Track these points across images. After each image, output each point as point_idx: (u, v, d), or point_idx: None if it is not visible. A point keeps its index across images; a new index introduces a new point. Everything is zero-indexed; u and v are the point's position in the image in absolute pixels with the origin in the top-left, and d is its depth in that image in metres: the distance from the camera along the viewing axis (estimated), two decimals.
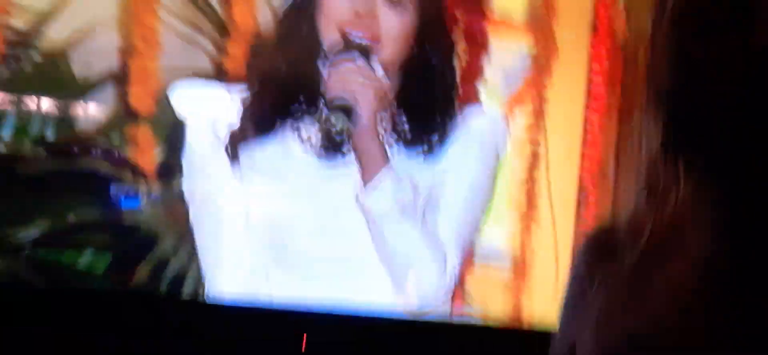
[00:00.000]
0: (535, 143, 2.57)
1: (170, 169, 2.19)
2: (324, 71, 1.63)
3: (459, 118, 1.73)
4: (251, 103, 1.69)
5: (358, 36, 1.63)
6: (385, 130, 1.70)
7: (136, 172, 2.26)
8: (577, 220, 2.70)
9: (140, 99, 2.31)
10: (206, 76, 2.16)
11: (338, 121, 1.59)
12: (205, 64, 2.34)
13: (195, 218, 1.75)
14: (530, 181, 2.59)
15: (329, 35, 1.65)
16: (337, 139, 1.61)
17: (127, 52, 2.34)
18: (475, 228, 1.76)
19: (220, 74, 2.22)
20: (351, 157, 1.68)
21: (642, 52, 0.76)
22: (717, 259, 0.70)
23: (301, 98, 1.68)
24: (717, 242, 0.71)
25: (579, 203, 2.66)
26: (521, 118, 2.55)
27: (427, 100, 1.71)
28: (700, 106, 0.71)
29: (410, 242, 1.65)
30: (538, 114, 2.59)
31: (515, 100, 2.66)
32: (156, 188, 2.24)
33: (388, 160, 1.65)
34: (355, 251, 1.69)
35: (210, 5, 2.43)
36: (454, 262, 1.70)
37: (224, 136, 1.69)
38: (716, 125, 0.69)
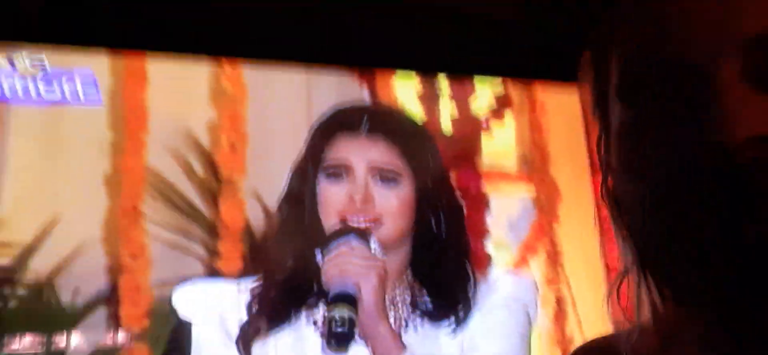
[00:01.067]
0: (558, 293, 2.47)
1: None
2: (321, 263, 1.56)
3: (483, 285, 1.65)
4: (261, 296, 1.62)
5: (357, 220, 1.59)
6: (410, 311, 1.63)
7: None
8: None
9: (132, 318, 2.24)
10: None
11: (343, 313, 1.50)
12: (197, 269, 2.31)
13: None
14: (562, 334, 2.47)
15: (329, 223, 1.60)
16: (342, 331, 1.50)
17: (115, 271, 2.29)
18: None
19: (214, 275, 2.19)
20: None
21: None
22: None
23: (314, 287, 1.63)
24: None
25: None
26: (538, 271, 2.48)
27: (445, 272, 1.65)
28: (655, 224, 0.66)
29: None
30: (554, 261, 2.51)
31: (526, 249, 2.59)
32: None
33: (403, 345, 1.55)
34: None
35: (197, 210, 2.41)
36: None
37: (235, 332, 1.61)
38: (677, 249, 0.64)
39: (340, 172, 1.61)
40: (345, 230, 1.57)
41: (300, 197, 1.65)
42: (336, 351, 1.52)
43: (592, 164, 2.69)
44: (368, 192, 1.61)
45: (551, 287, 2.44)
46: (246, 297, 1.64)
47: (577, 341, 2.45)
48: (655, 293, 0.68)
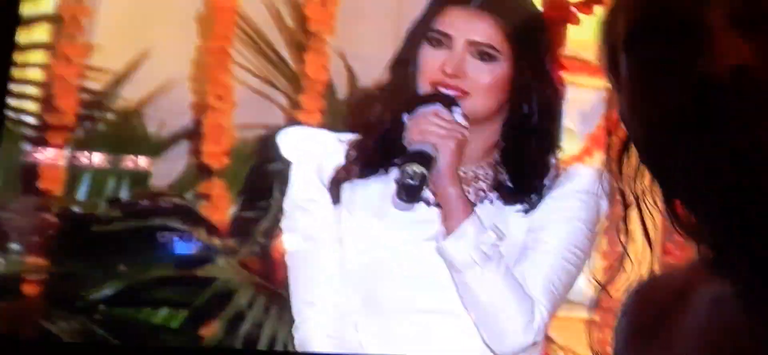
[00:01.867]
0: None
1: (245, 223, 2.18)
2: (407, 123, 1.66)
3: (562, 175, 1.74)
4: (357, 147, 1.73)
5: (447, 91, 1.67)
6: (490, 186, 1.72)
7: (211, 228, 2.25)
8: (662, 258, 2.62)
9: (213, 155, 2.34)
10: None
11: (415, 168, 1.58)
12: (279, 117, 2.40)
13: (291, 260, 1.75)
14: (611, 221, 2.54)
15: (423, 88, 1.70)
16: (412, 184, 1.58)
17: (200, 109, 2.38)
18: (571, 281, 1.71)
19: (293, 124, 2.25)
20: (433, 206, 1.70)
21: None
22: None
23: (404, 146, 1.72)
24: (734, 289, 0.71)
25: (663, 241, 2.59)
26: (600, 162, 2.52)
27: (528, 159, 1.73)
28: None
29: (495, 292, 1.64)
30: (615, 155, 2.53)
31: (594, 142, 2.63)
32: (230, 243, 2.21)
33: (472, 208, 1.65)
34: (445, 303, 1.68)
35: (283, 60, 2.48)
36: (542, 313, 1.67)
37: (328, 176, 1.73)
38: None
39: (440, 40, 1.68)
40: (431, 97, 1.66)
41: (407, 60, 1.72)
42: (406, 201, 1.62)
43: None
44: (461, 64, 1.67)
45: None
46: (344, 147, 1.74)
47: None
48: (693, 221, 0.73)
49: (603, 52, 0.77)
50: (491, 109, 1.70)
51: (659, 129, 0.71)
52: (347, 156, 1.73)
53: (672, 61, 0.69)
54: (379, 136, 1.72)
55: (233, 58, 2.42)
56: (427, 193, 1.67)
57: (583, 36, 2.65)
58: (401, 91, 1.71)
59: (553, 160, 1.75)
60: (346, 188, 1.72)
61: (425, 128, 1.62)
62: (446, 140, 1.62)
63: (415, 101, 1.66)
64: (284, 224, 1.78)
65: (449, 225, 1.64)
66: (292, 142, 1.79)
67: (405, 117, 1.66)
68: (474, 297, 1.64)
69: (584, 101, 2.71)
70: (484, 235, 1.63)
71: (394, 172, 1.67)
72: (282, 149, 1.75)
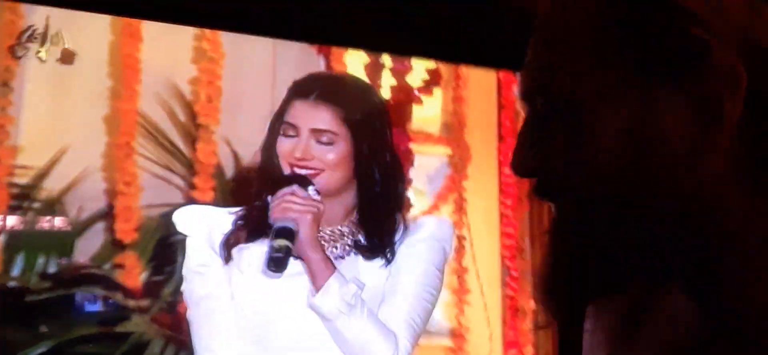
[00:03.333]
0: (460, 232, 3.00)
1: (155, 285, 2.58)
2: (270, 204, 1.79)
3: (412, 224, 1.91)
4: (242, 217, 1.86)
5: (301, 171, 1.79)
6: (350, 246, 1.86)
7: (126, 291, 2.66)
8: (502, 292, 3.11)
9: (125, 232, 2.73)
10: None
11: (280, 242, 1.71)
12: (177, 196, 2.81)
13: (192, 316, 1.88)
14: (460, 265, 3.01)
15: (285, 172, 1.82)
16: (278, 256, 1.72)
17: (112, 194, 2.78)
18: (427, 315, 1.89)
19: (190, 204, 2.57)
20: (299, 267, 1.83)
21: None
22: None
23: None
24: None
25: (503, 277, 3.09)
26: (446, 215, 2.98)
27: (379, 219, 1.87)
28: None
29: (361, 334, 1.78)
30: (460, 209, 3.02)
31: (439, 199, 3.08)
32: (143, 302, 2.62)
33: (334, 267, 1.77)
34: (325, 342, 1.81)
35: (178, 149, 2.88)
36: (405, 345, 1.83)
37: (220, 242, 1.84)
38: None
39: (289, 131, 1.80)
40: (289, 178, 1.80)
41: (269, 147, 1.87)
42: (274, 272, 1.73)
43: (499, 134, 3.18)
44: (307, 149, 1.79)
45: (455, 229, 2.95)
46: (233, 218, 1.86)
47: (471, 270, 2.91)
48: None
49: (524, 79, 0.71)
50: (341, 181, 1.83)
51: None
52: (235, 225, 1.86)
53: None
54: (259, 209, 1.85)
55: (137, 150, 2.79)
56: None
57: (426, 113, 3.17)
58: (270, 171, 1.86)
59: (398, 218, 1.90)
60: (236, 251, 1.86)
61: (285, 206, 1.74)
62: (304, 215, 1.74)
63: (276, 183, 1.79)
64: (184, 286, 1.92)
65: (316, 283, 1.76)
66: (186, 219, 1.91)
67: (268, 198, 1.80)
68: (345, 340, 1.78)
69: (430, 166, 3.15)
70: (346, 287, 1.75)
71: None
72: (178, 226, 1.90)
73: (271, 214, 1.75)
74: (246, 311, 1.83)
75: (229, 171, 2.89)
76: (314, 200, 1.76)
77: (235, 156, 2.90)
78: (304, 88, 1.80)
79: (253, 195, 1.87)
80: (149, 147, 2.86)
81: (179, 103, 2.93)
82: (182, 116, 2.92)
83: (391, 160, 1.87)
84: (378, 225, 1.85)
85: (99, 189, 2.78)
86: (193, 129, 2.87)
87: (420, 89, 3.14)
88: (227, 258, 1.83)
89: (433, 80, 3.15)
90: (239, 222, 1.85)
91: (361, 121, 1.80)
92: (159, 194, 2.77)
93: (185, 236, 1.85)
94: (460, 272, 3.05)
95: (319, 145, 1.80)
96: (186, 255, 1.85)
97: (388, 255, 1.85)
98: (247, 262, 1.84)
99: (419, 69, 3.20)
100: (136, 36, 2.89)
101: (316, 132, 1.78)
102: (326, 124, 1.78)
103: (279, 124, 1.81)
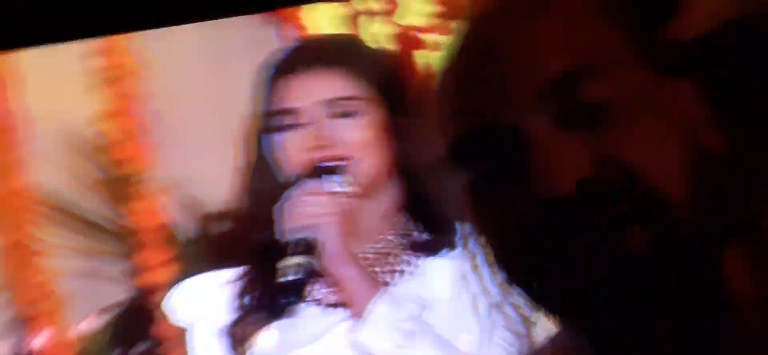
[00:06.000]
0: None
1: None
2: (277, 213, 1.49)
3: None
4: (242, 291, 1.55)
5: (324, 164, 1.50)
6: (407, 253, 1.58)
7: None
8: None
9: None
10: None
11: (297, 260, 1.45)
12: (119, 292, 2.14)
13: None
14: None
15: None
16: (298, 279, 1.45)
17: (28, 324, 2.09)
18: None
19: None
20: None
21: None
22: None
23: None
24: None
25: None
26: None
27: (439, 202, 1.57)
28: None
29: None
30: None
31: None
32: None
33: (379, 284, 1.53)
34: None
35: (103, 222, 2.21)
36: None
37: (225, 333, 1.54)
38: None
39: (287, 121, 1.50)
40: (302, 176, 1.47)
41: (261, 165, 1.56)
42: (294, 301, 1.46)
43: None
44: (322, 132, 1.50)
45: None
46: (229, 289, 1.57)
47: None
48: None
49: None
50: (382, 165, 1.52)
51: (503, 248, 0.69)
52: (240, 303, 1.55)
53: (506, 182, 0.66)
54: (260, 264, 1.52)
55: (41, 247, 2.11)
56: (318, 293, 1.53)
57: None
58: (264, 203, 1.52)
59: None
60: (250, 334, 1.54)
61: (300, 211, 1.45)
62: (325, 217, 1.47)
63: (283, 190, 1.50)
64: None
65: (357, 311, 1.49)
66: (186, 300, 1.59)
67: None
68: None
69: None
70: (400, 310, 1.51)
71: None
72: (176, 313, 1.58)
73: (277, 228, 1.49)
74: None
75: (188, 227, 2.26)
76: (340, 195, 1.49)
77: (192, 203, 2.27)
78: (290, 63, 1.54)
79: (247, 247, 1.55)
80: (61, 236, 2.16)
81: (90, 154, 2.29)
82: (98, 172, 2.27)
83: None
84: (441, 208, 1.53)
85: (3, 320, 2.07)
86: (119, 185, 2.23)
87: (427, 29, 2.57)
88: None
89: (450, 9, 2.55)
90: (246, 298, 1.54)
91: (391, 80, 1.58)
92: (93, 297, 2.11)
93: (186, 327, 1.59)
94: None
95: (336, 121, 1.51)
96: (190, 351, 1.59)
97: (456, 234, 1.52)
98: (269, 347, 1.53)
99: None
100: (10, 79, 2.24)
101: (328, 104, 1.51)
102: (341, 90, 1.52)
103: (265, 125, 1.55)
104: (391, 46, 2.53)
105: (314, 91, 1.53)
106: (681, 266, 0.64)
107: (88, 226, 2.19)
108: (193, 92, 2.46)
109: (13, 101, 2.26)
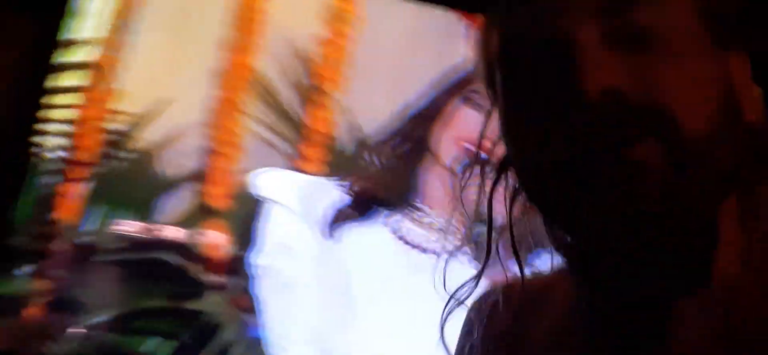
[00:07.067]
0: None
1: (238, 261, 2.25)
2: (452, 186, 1.63)
3: None
4: (356, 192, 1.73)
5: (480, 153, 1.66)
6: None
7: (208, 264, 2.33)
8: None
9: (216, 197, 2.41)
10: None
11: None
12: (283, 165, 2.45)
13: (268, 295, 1.77)
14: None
15: (448, 148, 1.68)
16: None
17: (209, 153, 2.48)
18: None
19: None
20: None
21: None
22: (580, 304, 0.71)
23: (405, 197, 1.72)
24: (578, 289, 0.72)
25: None
26: None
27: None
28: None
29: None
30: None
31: None
32: (223, 279, 2.27)
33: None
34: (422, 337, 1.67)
35: (290, 111, 2.55)
36: None
37: (321, 217, 1.70)
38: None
39: (481, 103, 1.61)
40: (475, 162, 1.55)
41: (428, 116, 1.69)
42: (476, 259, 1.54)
43: None
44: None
45: None
46: (337, 192, 1.73)
47: None
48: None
49: (480, 67, 0.74)
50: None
51: (529, 147, 0.67)
52: (344, 199, 1.73)
53: (543, 78, 0.65)
54: (378, 184, 1.72)
55: (243, 108, 2.49)
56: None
57: None
58: (410, 144, 1.71)
59: None
60: (338, 229, 1.72)
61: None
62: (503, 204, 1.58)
63: (457, 165, 1.63)
64: (262, 259, 1.80)
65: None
66: (273, 183, 1.80)
67: (450, 181, 1.63)
68: None
69: None
70: None
71: (384, 219, 1.66)
72: (261, 189, 1.79)
73: (462, 201, 1.40)
74: (339, 297, 1.67)
75: (345, 145, 2.53)
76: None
77: (355, 128, 2.54)
78: None
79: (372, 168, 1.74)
80: (259, 107, 2.54)
81: (299, 61, 2.60)
82: (301, 77, 2.59)
83: None
84: None
85: (196, 146, 2.48)
86: (311, 93, 2.55)
87: None
88: (329, 234, 1.69)
89: None
90: (349, 198, 1.72)
91: None
92: (262, 159, 2.43)
93: (268, 201, 1.75)
94: None
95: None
96: (269, 224, 1.73)
97: None
98: (352, 247, 1.69)
99: None
100: None
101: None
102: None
103: (462, 91, 1.65)
104: None
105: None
106: (682, 199, 0.62)
107: (279, 108, 2.54)
108: (388, 58, 2.64)
109: (260, 5, 2.57)
